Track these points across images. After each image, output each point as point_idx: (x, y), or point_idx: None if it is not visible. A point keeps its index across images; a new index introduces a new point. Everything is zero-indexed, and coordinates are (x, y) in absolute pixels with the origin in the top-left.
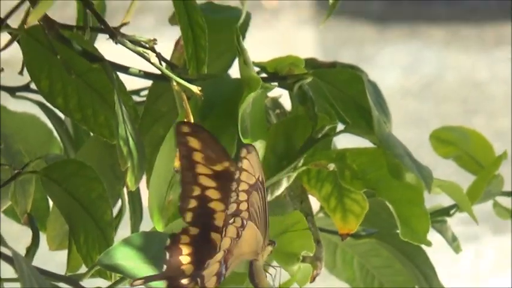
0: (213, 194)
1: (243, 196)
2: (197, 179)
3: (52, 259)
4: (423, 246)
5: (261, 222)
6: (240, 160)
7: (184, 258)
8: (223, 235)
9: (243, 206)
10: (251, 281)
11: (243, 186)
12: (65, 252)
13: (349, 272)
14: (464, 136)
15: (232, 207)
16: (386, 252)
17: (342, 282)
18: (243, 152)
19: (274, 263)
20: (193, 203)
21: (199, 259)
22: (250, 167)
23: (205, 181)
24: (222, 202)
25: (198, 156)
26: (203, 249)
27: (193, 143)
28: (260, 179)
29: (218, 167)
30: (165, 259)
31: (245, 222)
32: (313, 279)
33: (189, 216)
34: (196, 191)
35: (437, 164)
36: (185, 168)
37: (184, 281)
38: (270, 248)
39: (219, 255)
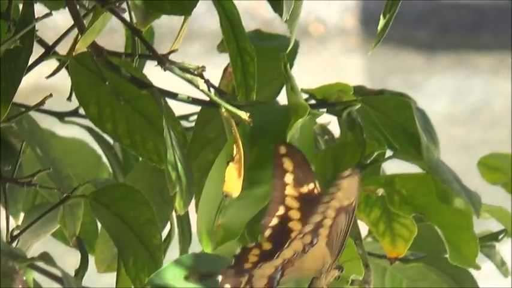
0: (294, 214)
1: (331, 213)
2: (284, 200)
3: (99, 281)
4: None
5: (336, 245)
6: (341, 178)
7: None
8: (286, 246)
9: (328, 222)
10: None
11: (335, 204)
12: (112, 274)
13: None
14: None
15: (317, 218)
16: (435, 276)
17: None
18: (347, 172)
19: None
20: (275, 221)
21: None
22: (348, 189)
23: (291, 202)
24: (300, 222)
25: (289, 178)
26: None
27: (287, 164)
28: (353, 204)
29: (304, 189)
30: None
31: (315, 241)
32: None
33: (268, 232)
34: (281, 211)
35: (484, 190)
36: (276, 188)
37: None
38: (335, 272)
39: (277, 261)
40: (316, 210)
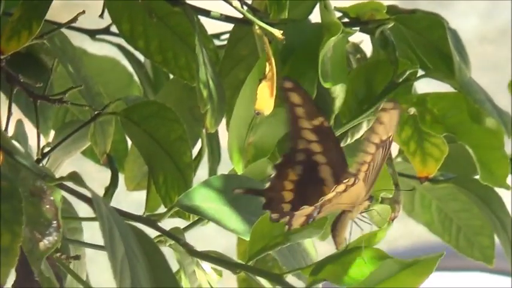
0: (315, 147)
1: (371, 148)
2: (301, 133)
3: (124, 200)
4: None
5: (371, 178)
6: (383, 111)
7: (288, 183)
8: (333, 189)
9: (367, 158)
10: (332, 228)
11: (375, 139)
12: (139, 192)
13: (427, 215)
14: None
15: (362, 157)
16: (464, 197)
17: (419, 226)
18: (389, 105)
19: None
20: (301, 156)
21: (301, 193)
22: (388, 122)
23: (308, 135)
24: (323, 155)
25: (300, 111)
26: (305, 190)
27: (294, 97)
28: (391, 138)
29: (316, 122)
30: (272, 178)
31: (356, 181)
32: (391, 221)
33: (298, 169)
34: (302, 145)
35: None
36: (290, 122)
37: (274, 216)
38: (367, 203)
39: (318, 204)
40: (360, 148)
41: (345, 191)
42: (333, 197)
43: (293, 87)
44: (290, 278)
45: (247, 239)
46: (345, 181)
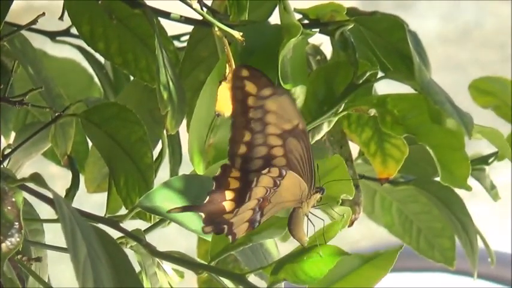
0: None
1: (274, 141)
2: (249, 124)
3: (87, 201)
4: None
5: (305, 171)
6: (266, 99)
7: (229, 193)
8: (254, 184)
9: (278, 152)
10: (288, 227)
11: (272, 130)
12: (100, 194)
13: (387, 217)
14: (504, 86)
15: (261, 151)
16: (425, 198)
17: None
18: (266, 91)
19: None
20: (243, 149)
21: (242, 199)
22: (279, 110)
23: (257, 127)
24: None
25: (252, 101)
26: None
27: (250, 87)
28: (300, 126)
29: (263, 94)
30: (210, 191)
31: (284, 172)
32: (351, 223)
33: (238, 161)
34: (247, 137)
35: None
36: (238, 113)
37: (207, 229)
38: (318, 195)
39: (251, 204)
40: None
41: (276, 185)
42: (268, 194)
43: (250, 76)
44: (253, 279)
45: (209, 239)
46: (265, 172)
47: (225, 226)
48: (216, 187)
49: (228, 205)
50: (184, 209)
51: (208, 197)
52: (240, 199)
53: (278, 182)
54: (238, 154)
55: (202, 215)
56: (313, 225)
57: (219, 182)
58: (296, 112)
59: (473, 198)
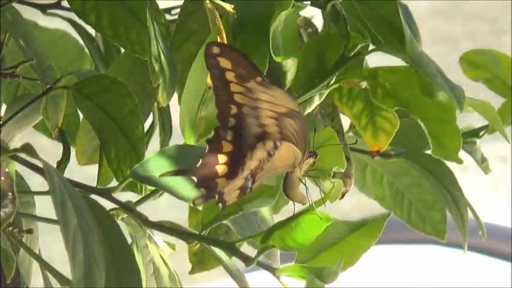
0: (248, 111)
1: (267, 121)
2: (233, 98)
3: (78, 172)
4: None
5: (300, 140)
6: (254, 90)
7: (222, 156)
8: (247, 157)
9: (272, 129)
10: (284, 192)
11: (267, 113)
12: (92, 166)
13: (378, 190)
14: (495, 59)
15: (257, 131)
16: (416, 171)
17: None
18: (253, 83)
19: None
20: (232, 122)
21: (235, 164)
22: (274, 99)
23: (241, 98)
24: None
25: (230, 75)
26: (240, 155)
27: (224, 63)
28: (295, 109)
29: (251, 84)
30: (203, 154)
31: (279, 144)
32: (342, 196)
33: (229, 135)
34: (234, 110)
35: (467, 83)
36: (219, 88)
37: (197, 201)
38: (311, 160)
39: (244, 173)
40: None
41: (270, 155)
42: (261, 163)
43: (221, 52)
44: (246, 248)
45: (200, 208)
46: (259, 145)
47: (216, 195)
48: (208, 150)
49: (220, 169)
50: (176, 173)
51: (200, 160)
52: (232, 163)
53: (272, 153)
54: (228, 127)
55: (195, 179)
56: (307, 192)
57: (212, 145)
58: (286, 96)
59: (465, 171)
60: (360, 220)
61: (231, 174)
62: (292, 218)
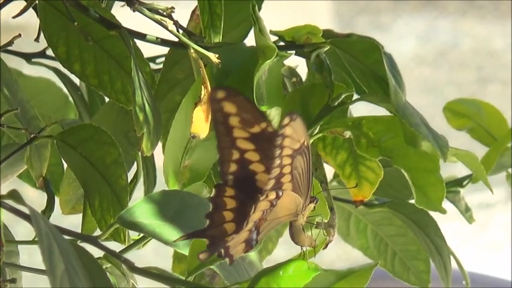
0: (252, 156)
1: (286, 160)
2: (235, 143)
3: (62, 222)
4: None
5: (303, 183)
6: (283, 127)
7: (228, 213)
8: (252, 211)
9: (286, 170)
10: (292, 241)
11: (287, 152)
12: (76, 216)
13: (362, 240)
14: (478, 108)
15: (276, 172)
16: (400, 221)
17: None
18: (286, 120)
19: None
20: (233, 167)
21: (241, 219)
22: (294, 133)
23: (243, 144)
24: (261, 163)
25: (234, 121)
26: (245, 210)
27: (229, 107)
28: (305, 143)
29: (255, 129)
30: (209, 214)
31: (280, 193)
32: (326, 246)
33: (230, 180)
34: (236, 155)
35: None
36: (222, 133)
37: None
38: (311, 206)
39: (249, 226)
40: (272, 165)
41: (272, 205)
42: (264, 215)
43: (227, 96)
44: None
45: (186, 253)
46: (263, 197)
47: (222, 250)
48: (213, 208)
49: (228, 227)
50: (189, 236)
51: (208, 220)
52: (238, 219)
53: (275, 203)
54: (229, 172)
55: (206, 240)
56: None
57: (216, 203)
58: (304, 131)
59: (447, 219)
60: (347, 269)
61: (237, 229)
62: (280, 265)
